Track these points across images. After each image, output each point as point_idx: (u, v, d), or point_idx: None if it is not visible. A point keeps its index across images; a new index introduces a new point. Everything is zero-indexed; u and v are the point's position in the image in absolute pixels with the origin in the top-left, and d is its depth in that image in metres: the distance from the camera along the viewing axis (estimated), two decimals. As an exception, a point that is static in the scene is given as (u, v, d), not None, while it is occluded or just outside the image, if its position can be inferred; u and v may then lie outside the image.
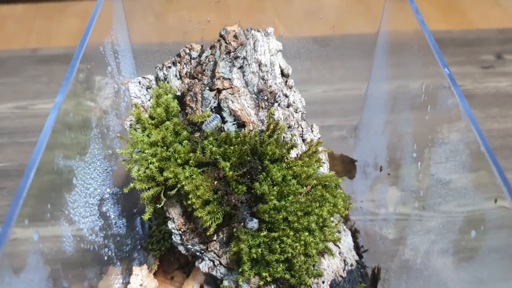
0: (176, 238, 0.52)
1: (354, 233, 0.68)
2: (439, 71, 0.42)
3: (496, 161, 0.35)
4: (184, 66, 0.51)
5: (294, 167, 0.49)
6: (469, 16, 1.87)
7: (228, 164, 0.47)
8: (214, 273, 0.51)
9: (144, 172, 0.47)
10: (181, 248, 0.52)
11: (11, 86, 1.07)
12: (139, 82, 0.53)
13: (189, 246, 0.51)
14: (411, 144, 0.50)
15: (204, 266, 0.51)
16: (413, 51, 0.48)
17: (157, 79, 0.54)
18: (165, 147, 0.48)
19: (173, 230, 0.51)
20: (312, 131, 0.56)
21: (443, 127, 0.43)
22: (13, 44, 1.74)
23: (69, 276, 0.37)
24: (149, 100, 0.52)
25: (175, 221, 0.51)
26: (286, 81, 0.56)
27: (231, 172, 0.47)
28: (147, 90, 0.53)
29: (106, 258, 0.47)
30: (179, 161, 0.47)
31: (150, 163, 0.47)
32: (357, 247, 0.65)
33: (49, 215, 0.35)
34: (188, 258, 0.62)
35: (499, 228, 0.35)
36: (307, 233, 0.48)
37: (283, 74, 0.56)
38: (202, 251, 0.51)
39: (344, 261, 0.54)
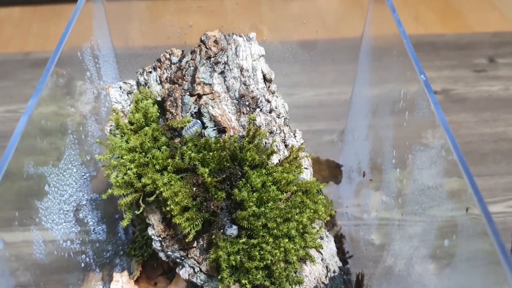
0: (156, 245, 0.51)
1: (340, 239, 0.67)
2: (416, 77, 0.41)
3: (468, 170, 0.35)
4: (165, 71, 0.51)
5: (274, 173, 0.48)
6: (467, 19, 1.86)
7: (207, 170, 0.47)
8: (194, 280, 0.51)
9: (122, 178, 0.47)
10: (161, 254, 0.52)
11: (3, 89, 1.07)
12: (120, 87, 0.52)
13: (169, 252, 0.51)
14: (391, 150, 0.49)
15: (184, 273, 0.51)
16: (392, 56, 0.48)
17: (138, 84, 0.53)
18: (143, 153, 0.47)
19: (153, 237, 0.51)
20: (295, 136, 0.55)
21: (421, 134, 0.43)
22: (10, 48, 1.74)
23: (41, 284, 0.37)
24: (129, 105, 0.52)
25: (155, 228, 0.51)
26: (269, 86, 0.55)
27: (209, 178, 0.46)
28: (128, 95, 0.53)
29: (83, 265, 0.47)
30: (157, 167, 0.47)
31: (128, 169, 0.47)
32: (342, 253, 0.65)
33: (17, 223, 0.35)
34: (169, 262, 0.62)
35: (473, 235, 0.35)
36: (287, 240, 0.47)
37: (265, 79, 0.55)
38: (182, 258, 0.51)
39: (327, 267, 0.53)
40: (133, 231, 0.62)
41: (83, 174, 0.49)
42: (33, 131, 0.38)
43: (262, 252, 0.46)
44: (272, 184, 0.48)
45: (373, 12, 0.59)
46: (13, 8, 2.01)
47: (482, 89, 1.08)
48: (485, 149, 0.94)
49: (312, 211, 0.49)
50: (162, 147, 0.48)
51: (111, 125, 0.50)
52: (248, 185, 0.47)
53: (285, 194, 0.48)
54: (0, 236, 0.33)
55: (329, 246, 0.55)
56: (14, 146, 0.34)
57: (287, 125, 0.56)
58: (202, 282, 0.50)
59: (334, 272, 0.54)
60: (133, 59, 0.60)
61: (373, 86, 0.57)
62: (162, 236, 0.51)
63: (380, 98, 0.54)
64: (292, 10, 0.72)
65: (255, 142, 0.49)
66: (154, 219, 0.50)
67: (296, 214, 0.48)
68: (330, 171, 0.69)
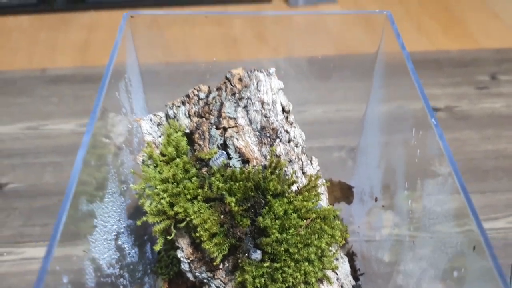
0: (185, 266, 0.55)
1: (352, 256, 0.71)
2: (423, 107, 0.45)
3: (470, 198, 0.39)
4: (193, 106, 0.55)
5: (295, 202, 0.52)
6: (469, 29, 1.90)
7: (233, 199, 0.51)
8: (220, 299, 0.55)
9: (156, 206, 0.51)
10: (189, 275, 0.56)
11: (22, 106, 1.11)
12: (151, 119, 0.56)
13: (197, 273, 0.55)
14: (403, 175, 0.53)
15: (210, 292, 0.55)
16: (403, 78, 0.52)
17: (167, 116, 0.57)
18: (175, 183, 0.52)
19: (182, 259, 0.55)
20: (312, 164, 0.59)
21: (430, 161, 0.47)
22: (19, 56, 1.78)
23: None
24: (160, 137, 0.56)
25: (184, 251, 0.55)
26: (287, 117, 0.59)
27: (236, 207, 0.51)
28: (157, 127, 0.57)
29: (122, 287, 0.51)
30: (188, 196, 0.51)
31: (162, 198, 0.51)
32: (354, 271, 0.69)
33: (75, 258, 0.39)
34: (195, 281, 0.66)
35: (479, 260, 0.39)
36: (307, 263, 0.51)
37: (284, 110, 0.59)
38: (209, 278, 0.55)
39: (342, 286, 0.57)
40: (159, 251, 0.66)
41: (121, 203, 0.53)
42: (86, 167, 0.41)
43: (284, 275, 0.51)
44: (293, 212, 0.52)
45: (387, 30, 0.62)
46: (22, 16, 2.05)
47: (484, 106, 1.12)
48: (488, 166, 0.98)
49: (329, 236, 0.53)
50: (193, 178, 0.52)
51: (143, 156, 0.54)
52: (271, 213, 0.52)
53: (305, 221, 0.52)
54: (63, 273, 0.37)
55: (344, 266, 0.59)
56: (74, 183, 0.38)
57: (304, 153, 0.60)
58: (227, 301, 0.55)
59: (348, 290, 0.58)
60: (159, 88, 0.64)
61: (387, 105, 0.61)
62: (190, 259, 0.55)
63: (392, 119, 0.58)
64: (300, 26, 0.75)
65: (277, 172, 0.53)
66: (183, 242, 0.55)
67: (315, 239, 0.52)
68: (342, 192, 0.73)
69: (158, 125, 0.57)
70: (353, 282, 0.59)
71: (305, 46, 0.72)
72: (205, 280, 0.55)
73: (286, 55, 0.76)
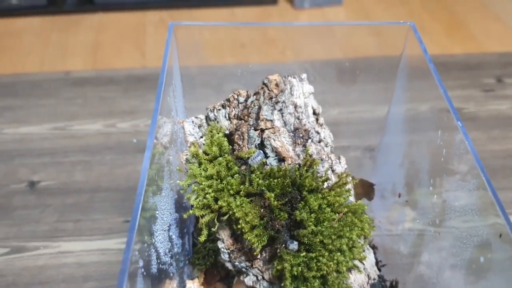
0: (225, 256, 0.60)
1: (373, 249, 0.76)
2: (446, 106, 0.50)
3: (495, 192, 0.43)
4: (233, 109, 0.60)
5: (328, 197, 0.57)
6: (471, 30, 1.96)
7: (272, 194, 0.56)
8: (257, 286, 0.60)
9: (201, 200, 0.56)
10: (228, 264, 0.61)
11: (48, 107, 1.15)
12: (192, 121, 0.61)
13: (236, 263, 0.60)
14: (427, 173, 0.58)
15: (248, 280, 0.60)
16: (425, 80, 0.56)
17: (207, 118, 0.62)
18: (219, 180, 0.56)
19: (222, 249, 0.60)
20: (340, 162, 0.64)
21: (453, 157, 0.52)
22: (31, 58, 1.82)
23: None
24: (201, 137, 0.61)
25: (225, 242, 0.59)
26: (317, 119, 0.64)
27: (275, 202, 0.55)
28: (199, 128, 0.62)
29: (171, 274, 0.56)
30: (231, 191, 0.56)
31: (207, 193, 0.56)
32: (376, 262, 0.74)
33: (145, 245, 0.44)
34: (228, 271, 0.70)
35: (503, 249, 0.44)
36: (339, 253, 0.56)
37: (314, 113, 0.64)
38: (247, 268, 0.60)
39: (368, 275, 0.62)
40: (195, 243, 0.71)
41: (171, 197, 0.58)
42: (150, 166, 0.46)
43: (318, 264, 0.55)
44: (327, 206, 0.57)
45: (409, 33, 0.67)
46: (33, 18, 2.09)
47: (491, 108, 1.17)
48: (495, 165, 1.03)
49: (359, 228, 0.58)
50: (235, 175, 0.57)
51: (187, 154, 0.59)
52: (307, 207, 0.56)
53: (337, 215, 0.57)
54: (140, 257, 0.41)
55: (370, 257, 0.64)
56: (143, 187, 0.42)
57: (333, 153, 0.65)
58: (264, 288, 0.59)
59: (374, 279, 0.63)
60: (196, 91, 0.68)
61: (409, 106, 0.65)
62: (230, 249, 0.59)
63: (415, 120, 0.63)
64: (318, 29, 0.80)
65: (311, 170, 0.58)
66: (224, 234, 0.59)
67: (347, 231, 0.57)
68: (364, 189, 0.78)
69: (199, 126, 0.62)
70: (378, 272, 0.64)
71: (329, 51, 0.77)
72: (243, 269, 0.60)
73: (311, 59, 0.81)
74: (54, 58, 1.74)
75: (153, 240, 0.47)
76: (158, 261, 0.49)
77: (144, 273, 0.42)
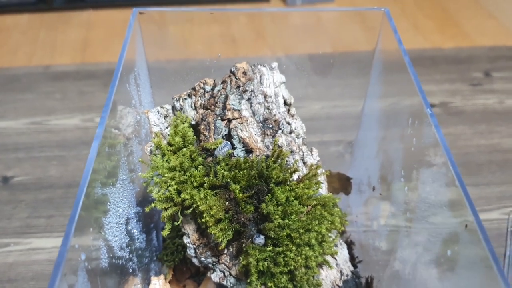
0: (191, 252, 0.58)
1: (350, 245, 0.74)
2: (419, 100, 0.48)
3: (464, 186, 0.41)
4: (199, 98, 0.58)
5: (296, 189, 0.55)
6: (464, 27, 1.93)
7: (238, 186, 0.53)
8: (224, 283, 0.57)
9: (164, 193, 0.54)
10: (194, 260, 0.59)
11: (26, 102, 1.13)
12: (158, 111, 0.59)
13: (202, 258, 0.57)
14: (400, 165, 0.56)
15: (215, 276, 0.58)
16: (400, 72, 0.54)
17: (173, 108, 0.60)
18: (182, 172, 0.54)
19: (188, 244, 0.57)
20: (312, 154, 0.62)
21: (425, 152, 0.50)
22: (19, 55, 1.80)
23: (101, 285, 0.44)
24: (166, 128, 0.58)
25: (190, 236, 0.57)
26: (289, 110, 0.62)
27: (240, 194, 0.53)
28: (164, 119, 0.59)
29: (131, 270, 0.53)
30: (195, 184, 0.54)
31: (169, 186, 0.53)
32: (352, 258, 0.71)
33: (91, 238, 0.41)
34: (198, 268, 0.68)
35: (471, 243, 0.41)
36: (307, 248, 0.54)
37: (285, 103, 0.62)
38: (214, 263, 0.57)
39: (341, 271, 0.60)
40: (164, 238, 0.68)
41: (131, 190, 0.55)
42: (99, 155, 0.44)
43: (286, 259, 0.53)
44: (294, 199, 0.55)
45: (384, 27, 0.65)
46: (21, 15, 2.07)
47: (478, 102, 1.15)
48: (481, 160, 1.01)
49: (329, 222, 0.55)
50: (199, 166, 0.54)
51: (151, 146, 0.57)
52: (274, 200, 0.54)
53: (306, 207, 0.55)
54: (82, 251, 0.39)
55: (343, 252, 0.61)
56: (88, 174, 0.40)
57: (305, 144, 0.62)
58: (231, 285, 0.57)
59: (347, 275, 0.60)
60: (164, 80, 0.66)
61: (384, 100, 0.63)
62: (196, 244, 0.57)
63: (390, 113, 0.60)
64: (297, 23, 0.78)
65: (279, 161, 0.55)
66: (189, 229, 0.57)
67: (316, 225, 0.54)
68: (341, 183, 0.75)
69: (165, 117, 0.60)
70: (352, 268, 0.62)
71: (304, 43, 0.74)
72: (210, 265, 0.58)
73: (286, 53, 0.79)
74: (42, 56, 1.72)
75: (103, 233, 0.45)
76: (111, 255, 0.47)
77: (89, 267, 0.39)
